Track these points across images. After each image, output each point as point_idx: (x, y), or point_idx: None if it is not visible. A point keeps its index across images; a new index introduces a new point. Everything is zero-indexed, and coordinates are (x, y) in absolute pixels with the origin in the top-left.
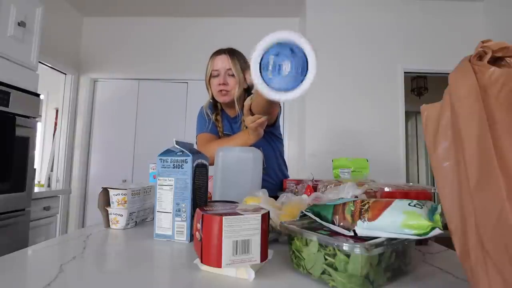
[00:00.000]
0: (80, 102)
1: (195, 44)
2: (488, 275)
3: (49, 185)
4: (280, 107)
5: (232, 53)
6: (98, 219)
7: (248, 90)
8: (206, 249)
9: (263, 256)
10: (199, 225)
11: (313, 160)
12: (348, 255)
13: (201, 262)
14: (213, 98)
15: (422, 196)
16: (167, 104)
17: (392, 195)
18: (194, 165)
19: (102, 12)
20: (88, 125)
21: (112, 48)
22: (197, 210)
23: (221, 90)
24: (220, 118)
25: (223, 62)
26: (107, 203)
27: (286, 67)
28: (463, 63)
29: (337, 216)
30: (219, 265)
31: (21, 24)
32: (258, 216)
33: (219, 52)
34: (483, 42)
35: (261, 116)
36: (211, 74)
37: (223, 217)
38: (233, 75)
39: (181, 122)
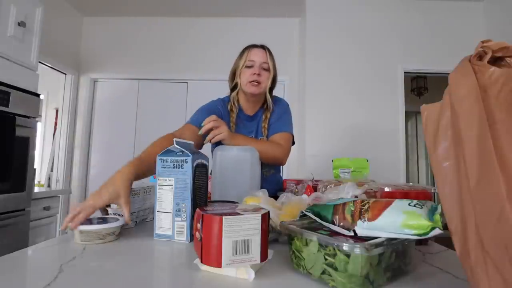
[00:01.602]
0: (80, 102)
1: (195, 44)
2: (488, 275)
3: (49, 185)
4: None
5: (268, 49)
6: None
7: (270, 90)
8: (206, 249)
9: (263, 256)
10: (199, 225)
11: (313, 160)
12: (348, 255)
13: (201, 262)
14: (233, 91)
15: (422, 196)
16: (167, 104)
17: (392, 195)
18: (194, 165)
19: (102, 12)
20: (88, 125)
21: (112, 48)
22: (197, 210)
23: (253, 81)
24: (235, 113)
25: (259, 55)
26: None
27: None
28: (463, 63)
29: (337, 216)
30: (219, 265)
31: (21, 24)
32: (258, 216)
33: (255, 46)
34: (483, 42)
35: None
36: (244, 64)
37: (223, 217)
38: (267, 69)
39: (181, 122)
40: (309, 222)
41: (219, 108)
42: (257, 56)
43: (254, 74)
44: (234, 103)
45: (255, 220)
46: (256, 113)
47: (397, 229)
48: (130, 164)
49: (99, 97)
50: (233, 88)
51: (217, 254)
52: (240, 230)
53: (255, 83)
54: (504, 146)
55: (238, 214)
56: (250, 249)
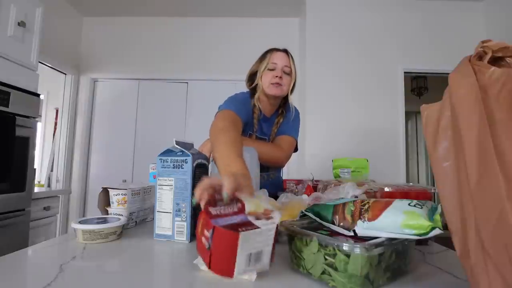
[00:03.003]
0: (80, 102)
1: (195, 44)
2: (488, 275)
3: (49, 185)
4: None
5: (291, 54)
6: None
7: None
8: (217, 259)
9: (271, 260)
10: (208, 234)
11: (313, 160)
12: (348, 255)
13: (209, 269)
14: (252, 92)
15: (422, 196)
16: (167, 104)
17: (392, 195)
18: (194, 165)
19: (102, 12)
20: (88, 125)
21: (112, 48)
22: (204, 216)
23: (276, 83)
24: (257, 114)
25: (282, 58)
26: (107, 203)
27: None
28: (463, 63)
29: (337, 216)
30: (230, 275)
31: (21, 24)
32: (273, 227)
33: (278, 49)
34: (483, 42)
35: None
36: (267, 67)
37: (240, 233)
38: (288, 74)
39: (181, 122)
40: (309, 222)
41: (250, 103)
42: (279, 59)
43: (276, 76)
44: (255, 105)
45: (270, 232)
46: (272, 116)
47: (397, 229)
48: (238, 160)
49: (99, 97)
50: (253, 89)
51: (230, 266)
52: (255, 242)
53: (277, 85)
54: (504, 146)
55: (254, 226)
56: (261, 258)
